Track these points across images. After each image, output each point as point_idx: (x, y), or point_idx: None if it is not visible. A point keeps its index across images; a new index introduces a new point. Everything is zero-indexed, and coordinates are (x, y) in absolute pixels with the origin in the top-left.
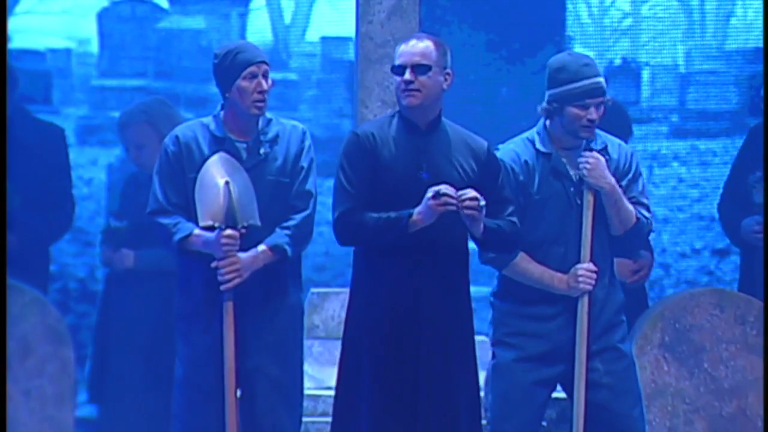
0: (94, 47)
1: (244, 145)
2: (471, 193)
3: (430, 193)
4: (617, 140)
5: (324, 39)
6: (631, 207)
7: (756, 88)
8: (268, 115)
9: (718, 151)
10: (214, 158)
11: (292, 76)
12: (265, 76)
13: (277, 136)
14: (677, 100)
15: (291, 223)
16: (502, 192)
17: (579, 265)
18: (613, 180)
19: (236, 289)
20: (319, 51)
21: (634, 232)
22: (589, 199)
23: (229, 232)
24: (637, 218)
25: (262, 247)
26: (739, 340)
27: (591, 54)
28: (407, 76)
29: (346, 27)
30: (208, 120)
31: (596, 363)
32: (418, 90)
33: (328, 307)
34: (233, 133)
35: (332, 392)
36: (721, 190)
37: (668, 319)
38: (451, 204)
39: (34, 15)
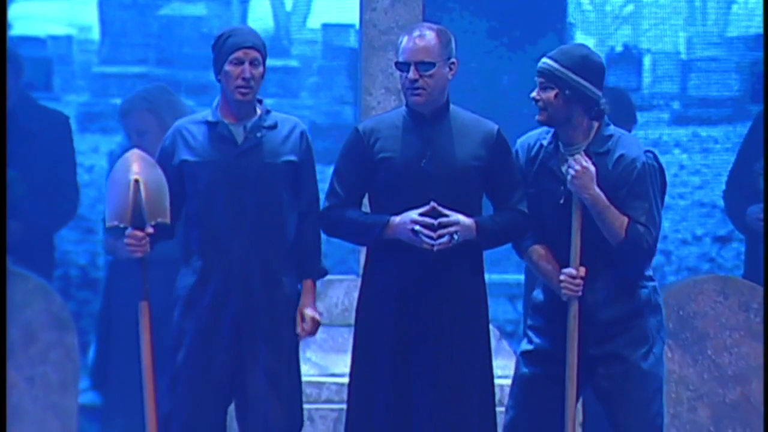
0: (95, 34)
1: (240, 128)
2: (445, 231)
3: (413, 214)
4: (633, 152)
5: (325, 26)
6: (622, 221)
7: (758, 75)
8: (267, 106)
9: (719, 138)
10: (127, 155)
11: (294, 63)
12: (253, 63)
13: (275, 123)
14: (679, 87)
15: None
16: (511, 176)
17: (563, 270)
18: (597, 191)
19: (231, 282)
20: (320, 38)
21: (624, 247)
22: (577, 202)
23: (135, 233)
24: (627, 234)
25: (306, 285)
26: (743, 326)
27: (592, 41)
28: (412, 74)
29: (348, 14)
30: (205, 112)
31: (599, 367)
32: (423, 88)
33: (331, 295)
34: (227, 118)
35: (336, 379)
36: (725, 178)
37: (672, 306)
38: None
39: (34, 2)
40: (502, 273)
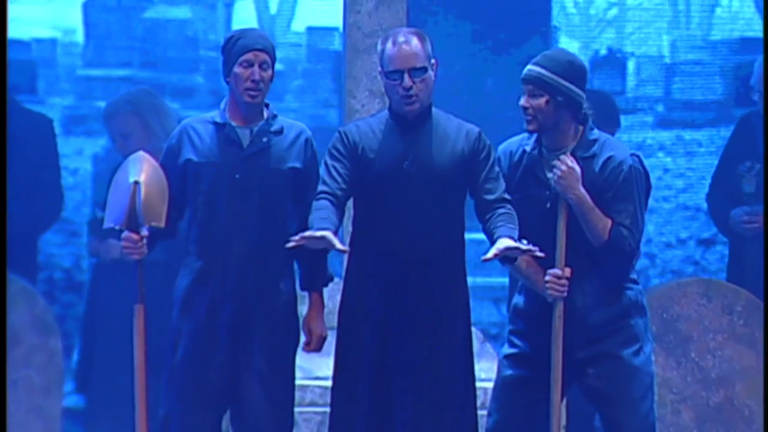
0: (79, 37)
1: (247, 132)
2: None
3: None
4: (620, 154)
5: (310, 29)
6: (605, 222)
7: (741, 78)
8: (274, 110)
9: (703, 141)
10: (132, 156)
11: (278, 67)
12: (262, 65)
13: (282, 128)
14: (662, 91)
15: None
16: (493, 169)
17: (549, 270)
18: (582, 191)
19: (228, 284)
20: (304, 41)
21: (607, 248)
22: (562, 203)
23: (131, 235)
24: (610, 236)
25: (313, 297)
26: (727, 329)
27: (576, 44)
28: (406, 82)
29: (332, 17)
30: (213, 113)
31: (589, 368)
32: (417, 95)
33: None
34: (235, 120)
35: (319, 382)
36: (708, 181)
37: (655, 309)
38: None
39: (19, 4)
40: (487, 276)
